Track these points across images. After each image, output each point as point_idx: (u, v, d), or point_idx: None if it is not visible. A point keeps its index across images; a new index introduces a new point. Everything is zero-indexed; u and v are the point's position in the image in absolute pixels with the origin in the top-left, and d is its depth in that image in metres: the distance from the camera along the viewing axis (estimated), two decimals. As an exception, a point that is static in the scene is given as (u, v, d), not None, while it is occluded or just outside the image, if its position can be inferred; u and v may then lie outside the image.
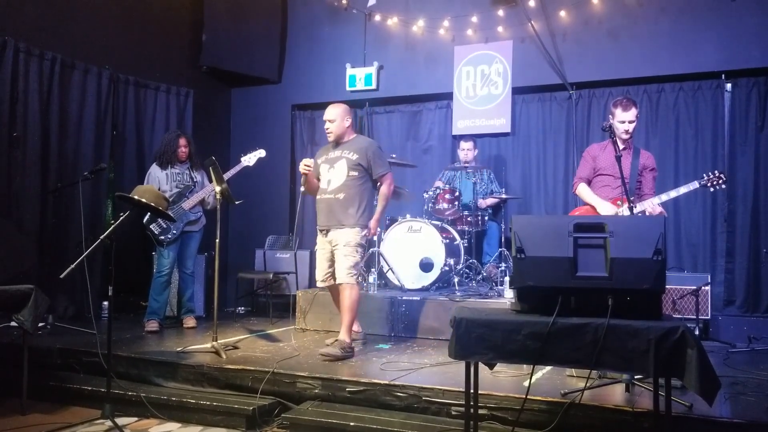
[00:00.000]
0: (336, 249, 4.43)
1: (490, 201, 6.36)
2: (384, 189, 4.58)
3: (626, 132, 4.15)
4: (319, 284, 4.70)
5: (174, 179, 5.50)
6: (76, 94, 6.00)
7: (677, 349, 2.42)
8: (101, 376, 3.83)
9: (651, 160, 4.34)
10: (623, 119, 4.14)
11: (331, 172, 4.53)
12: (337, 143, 4.59)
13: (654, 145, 6.11)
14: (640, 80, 6.22)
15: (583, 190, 4.37)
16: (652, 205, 4.12)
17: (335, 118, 4.53)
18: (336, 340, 4.37)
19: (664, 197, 4.16)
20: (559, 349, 2.55)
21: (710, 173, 4.19)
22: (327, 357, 4.18)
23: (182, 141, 5.57)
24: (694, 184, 4.16)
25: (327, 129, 4.58)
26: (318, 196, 4.58)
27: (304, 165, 4.48)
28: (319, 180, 4.62)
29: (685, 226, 6.10)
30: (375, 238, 5.73)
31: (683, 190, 4.18)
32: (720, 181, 4.14)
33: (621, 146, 4.09)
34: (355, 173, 4.46)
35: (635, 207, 3.97)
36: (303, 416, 3.52)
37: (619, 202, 4.12)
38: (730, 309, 5.82)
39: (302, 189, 4.67)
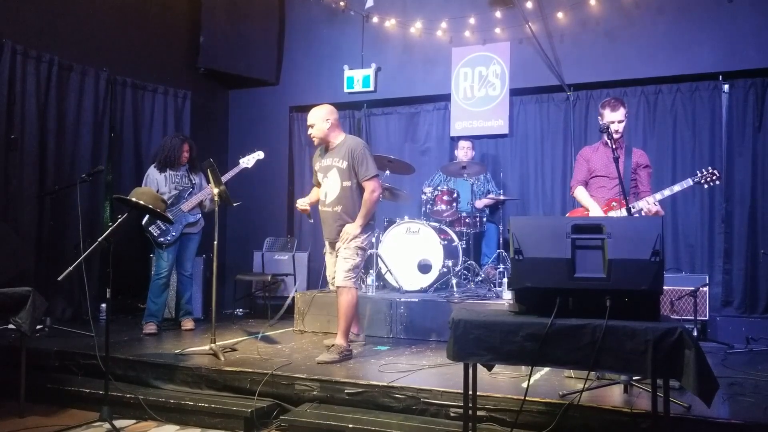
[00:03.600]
0: (338, 251, 4.42)
1: (486, 201, 6.36)
2: (366, 195, 4.34)
3: (616, 132, 4.14)
4: (330, 287, 4.72)
5: (172, 181, 5.50)
6: (74, 95, 6.00)
7: (675, 350, 2.42)
8: (99, 379, 3.84)
9: (644, 157, 4.34)
10: (612, 119, 4.15)
11: (326, 183, 4.44)
12: (326, 148, 4.47)
13: (651, 146, 6.12)
14: (637, 81, 6.24)
15: (579, 193, 4.39)
16: (647, 204, 4.12)
17: (314, 121, 4.38)
18: (333, 345, 4.37)
19: (658, 196, 4.17)
20: (558, 350, 2.55)
21: (704, 170, 4.20)
22: (324, 364, 4.14)
23: (186, 146, 5.56)
24: (688, 182, 4.18)
25: (310, 135, 4.46)
26: (319, 208, 4.54)
27: (301, 205, 4.54)
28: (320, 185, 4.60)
29: (683, 227, 6.11)
30: (373, 239, 5.73)
31: (677, 188, 4.19)
32: (714, 177, 4.15)
33: (613, 146, 4.10)
34: (348, 183, 4.36)
35: (632, 207, 3.97)
36: (301, 418, 3.52)
37: (614, 203, 4.13)
38: (728, 310, 5.83)
39: (310, 221, 4.75)
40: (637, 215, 3.99)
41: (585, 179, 4.38)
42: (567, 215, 4.91)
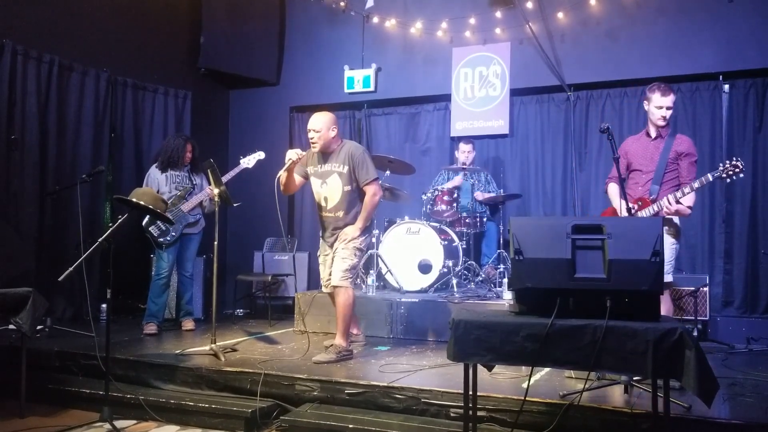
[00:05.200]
0: (335, 251, 4.42)
1: (488, 195, 6.35)
2: (367, 198, 4.34)
3: (663, 119, 3.89)
4: (323, 289, 4.71)
5: (173, 181, 5.50)
6: (75, 96, 6.00)
7: (676, 350, 2.42)
8: (100, 379, 3.84)
9: (685, 144, 3.90)
10: (661, 105, 3.87)
11: (324, 189, 4.42)
12: (324, 154, 4.43)
13: (652, 146, 6.12)
14: (637, 81, 6.22)
15: (610, 191, 4.11)
16: (667, 203, 3.77)
17: (320, 128, 4.32)
18: (332, 345, 4.37)
19: (679, 194, 3.79)
20: (558, 351, 2.55)
21: (726, 162, 3.70)
22: (321, 363, 4.15)
23: (189, 146, 5.56)
24: (708, 178, 3.73)
25: (312, 139, 4.37)
26: (319, 213, 4.53)
27: (296, 152, 4.27)
28: (306, 179, 4.54)
29: (684, 227, 6.05)
30: (374, 239, 5.73)
31: (696, 185, 3.78)
32: (737, 170, 3.65)
33: (654, 134, 3.94)
34: (349, 187, 4.36)
35: (647, 208, 3.86)
36: (301, 418, 3.52)
37: (639, 203, 3.90)
38: (729, 310, 5.83)
39: (280, 175, 4.33)
40: (666, 214, 3.77)
41: (622, 175, 3.97)
42: (600, 215, 4.59)
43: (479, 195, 6.26)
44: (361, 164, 4.34)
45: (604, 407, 3.14)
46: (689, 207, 3.83)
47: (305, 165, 4.52)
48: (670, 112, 3.91)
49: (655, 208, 3.83)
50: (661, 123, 3.92)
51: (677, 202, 3.77)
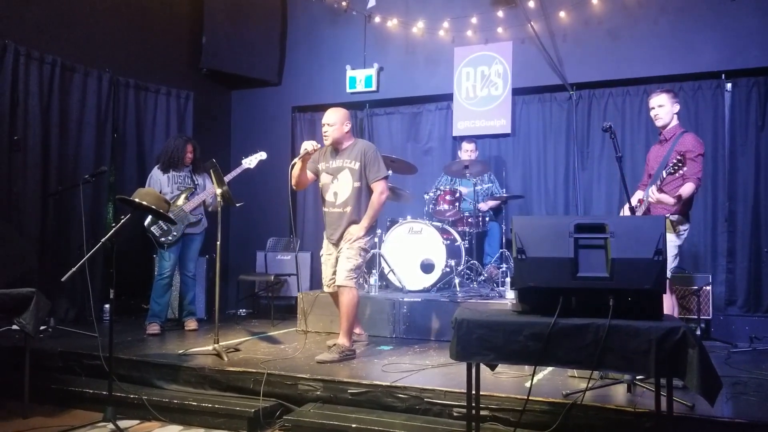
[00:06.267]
0: (340, 250, 4.43)
1: (491, 203, 6.36)
2: (374, 196, 4.41)
3: (655, 118, 4.02)
4: (324, 289, 4.71)
5: (175, 182, 5.51)
6: (77, 96, 6.01)
7: (678, 349, 2.42)
8: (103, 379, 3.84)
9: (686, 141, 3.90)
10: (651, 106, 4.04)
11: (335, 184, 4.48)
12: (336, 150, 4.51)
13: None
14: (640, 80, 6.22)
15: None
16: (651, 194, 3.77)
17: (335, 122, 4.44)
18: (335, 344, 4.38)
19: (653, 188, 3.79)
20: (561, 350, 2.55)
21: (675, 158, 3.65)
22: (324, 363, 4.16)
23: (189, 147, 5.57)
24: (663, 174, 3.74)
25: (325, 132, 4.47)
26: (325, 209, 4.55)
27: (312, 144, 4.36)
28: (317, 177, 4.59)
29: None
30: (376, 239, 5.73)
31: (658, 182, 3.80)
32: (680, 164, 3.60)
33: (662, 137, 4.04)
34: (359, 183, 4.42)
35: (639, 208, 3.91)
36: (304, 418, 3.52)
37: (637, 204, 3.99)
38: (732, 309, 5.82)
39: (295, 162, 4.45)
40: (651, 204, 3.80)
41: (645, 182, 4.18)
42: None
43: (482, 205, 6.25)
44: (373, 162, 4.42)
45: (607, 406, 3.14)
46: (679, 197, 3.76)
47: (317, 162, 4.57)
48: (661, 110, 4.02)
49: (643, 208, 3.90)
50: (657, 124, 4.03)
51: (660, 190, 3.78)
